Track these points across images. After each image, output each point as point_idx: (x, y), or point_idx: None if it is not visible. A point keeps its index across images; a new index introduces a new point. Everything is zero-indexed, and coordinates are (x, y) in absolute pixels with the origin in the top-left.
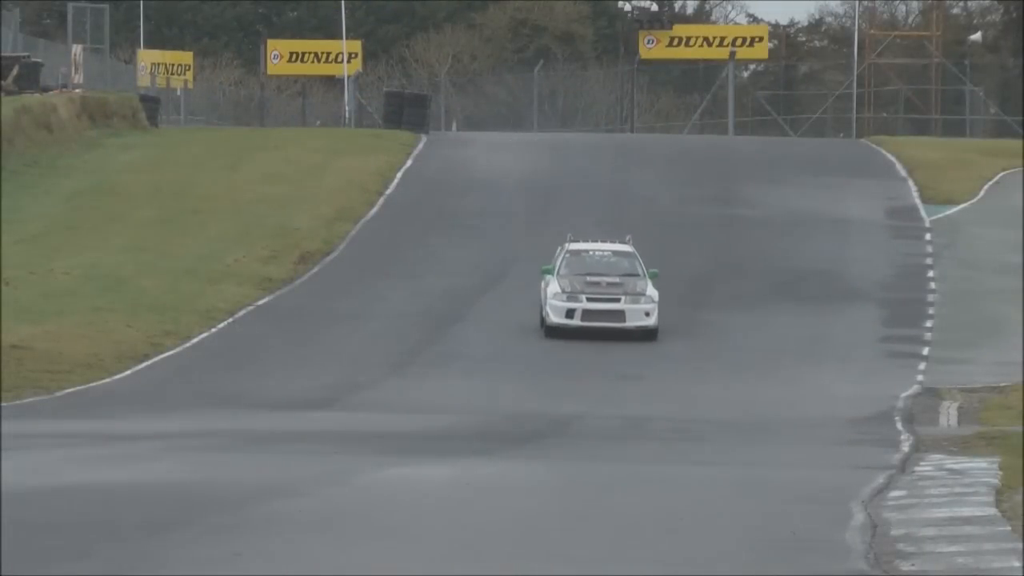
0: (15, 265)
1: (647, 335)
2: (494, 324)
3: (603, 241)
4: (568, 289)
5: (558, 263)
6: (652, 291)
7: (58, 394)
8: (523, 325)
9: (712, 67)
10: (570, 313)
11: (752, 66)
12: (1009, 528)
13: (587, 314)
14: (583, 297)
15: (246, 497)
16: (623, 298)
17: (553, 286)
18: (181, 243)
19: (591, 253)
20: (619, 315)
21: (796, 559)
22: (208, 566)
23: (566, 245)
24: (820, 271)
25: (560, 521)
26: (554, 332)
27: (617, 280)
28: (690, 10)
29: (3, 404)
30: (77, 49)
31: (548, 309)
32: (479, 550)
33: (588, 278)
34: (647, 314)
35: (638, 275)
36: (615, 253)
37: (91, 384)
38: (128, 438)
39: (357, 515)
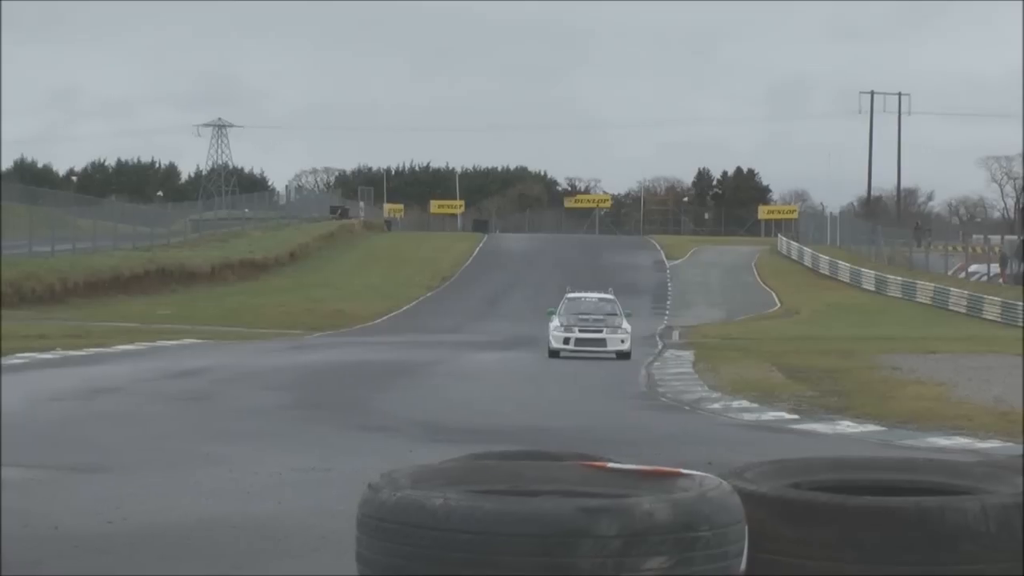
0: (343, 281)
1: (623, 356)
2: (516, 306)
3: (592, 292)
4: (565, 323)
5: (560, 307)
6: (626, 325)
7: (355, 327)
8: (533, 303)
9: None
10: (566, 340)
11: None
12: (697, 376)
13: (578, 341)
14: (576, 329)
15: (424, 365)
16: (604, 330)
17: (555, 322)
18: (398, 272)
19: (583, 299)
20: (601, 342)
21: (619, 388)
22: (412, 392)
23: (566, 294)
24: (630, 283)
25: (537, 371)
26: (554, 354)
27: (601, 317)
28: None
29: (328, 331)
30: (361, 204)
31: (550, 338)
32: (510, 382)
33: (580, 316)
34: (622, 341)
35: (616, 315)
36: (600, 299)
37: (366, 324)
38: (378, 343)
39: (465, 370)
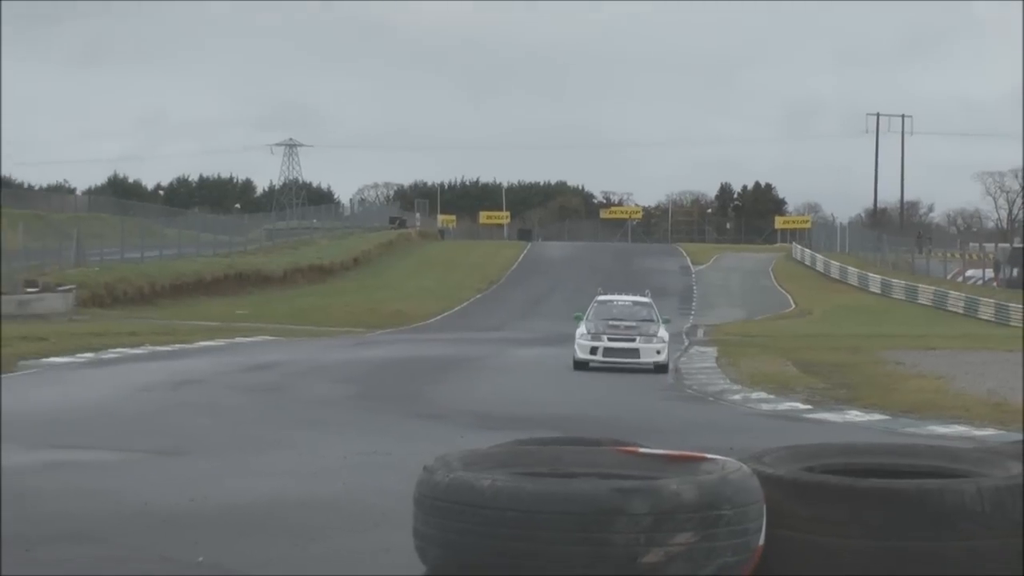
0: (401, 284)
1: (660, 368)
2: (556, 307)
3: (626, 295)
4: (592, 331)
5: (588, 311)
6: (663, 333)
7: (411, 325)
8: (571, 304)
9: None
10: (593, 350)
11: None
12: (719, 370)
13: (607, 351)
14: (604, 337)
15: (473, 360)
16: (638, 338)
17: (581, 328)
18: (450, 277)
19: (615, 302)
20: (634, 352)
21: (649, 381)
22: (462, 384)
23: (596, 296)
24: (660, 286)
25: (565, 364)
26: (580, 366)
27: (634, 324)
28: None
29: (379, 329)
30: (417, 215)
31: (576, 347)
32: (550, 375)
33: (610, 322)
34: (658, 352)
35: (652, 321)
36: (635, 303)
37: (421, 323)
38: (432, 340)
39: (510, 365)
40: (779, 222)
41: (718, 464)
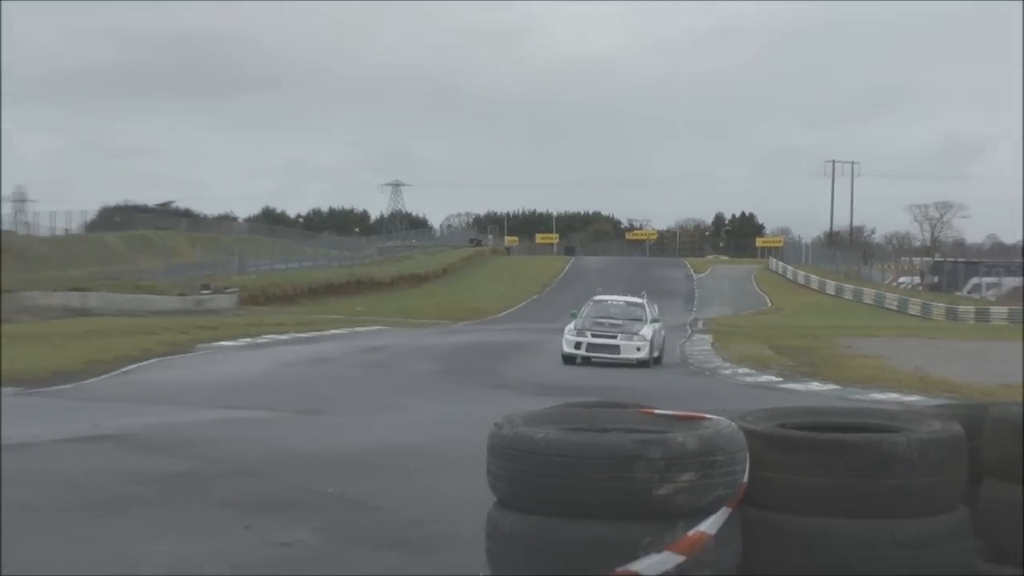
0: (478, 288)
1: (642, 364)
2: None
3: (627, 295)
4: (579, 327)
5: (583, 308)
6: (647, 331)
7: (486, 319)
8: None
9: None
10: (578, 345)
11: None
12: (714, 352)
13: (590, 346)
14: (588, 333)
15: (532, 344)
16: (619, 335)
17: (571, 324)
18: (514, 282)
19: (609, 302)
20: (615, 348)
21: (667, 360)
22: (524, 362)
23: (594, 296)
24: (670, 290)
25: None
26: (567, 359)
27: (620, 322)
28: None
29: (448, 323)
30: (490, 236)
31: (563, 342)
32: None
33: (598, 319)
34: (638, 349)
35: (640, 320)
36: (628, 303)
37: (493, 316)
38: (501, 329)
39: (558, 348)
40: (759, 242)
41: (713, 422)
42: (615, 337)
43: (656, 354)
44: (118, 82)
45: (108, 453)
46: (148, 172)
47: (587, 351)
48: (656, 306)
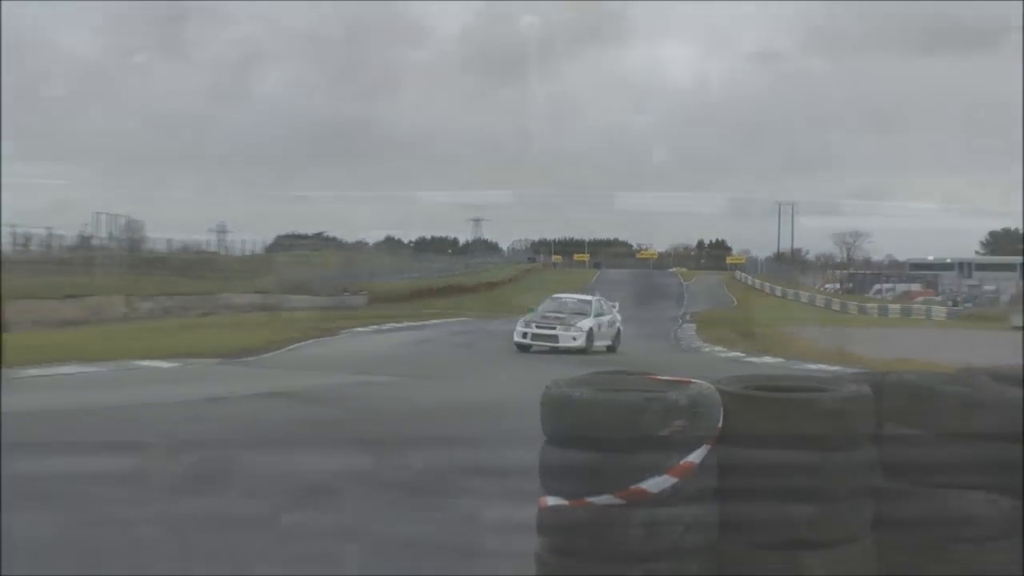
0: (535, 292)
1: (579, 351)
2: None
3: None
4: (528, 319)
5: (540, 304)
6: (584, 324)
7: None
8: (622, 303)
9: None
10: (524, 335)
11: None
12: (697, 335)
13: (535, 336)
14: (533, 324)
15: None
16: (558, 327)
17: (523, 318)
18: (559, 287)
19: (563, 299)
20: (553, 338)
21: (661, 341)
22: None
23: (552, 294)
24: (666, 293)
25: (626, 335)
26: (521, 348)
27: (564, 316)
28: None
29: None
30: (542, 256)
31: (514, 331)
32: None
33: (546, 313)
34: (574, 339)
35: (584, 315)
36: (579, 300)
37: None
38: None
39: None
40: (728, 259)
41: (698, 384)
42: (554, 328)
43: (608, 343)
44: (288, 147)
45: (280, 404)
46: (308, 212)
47: (531, 340)
48: (617, 304)
